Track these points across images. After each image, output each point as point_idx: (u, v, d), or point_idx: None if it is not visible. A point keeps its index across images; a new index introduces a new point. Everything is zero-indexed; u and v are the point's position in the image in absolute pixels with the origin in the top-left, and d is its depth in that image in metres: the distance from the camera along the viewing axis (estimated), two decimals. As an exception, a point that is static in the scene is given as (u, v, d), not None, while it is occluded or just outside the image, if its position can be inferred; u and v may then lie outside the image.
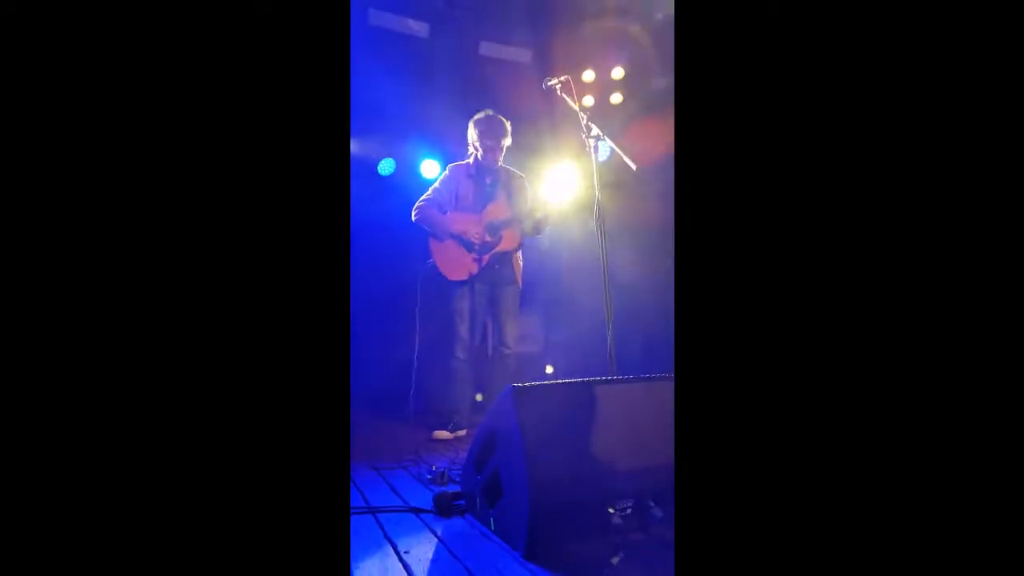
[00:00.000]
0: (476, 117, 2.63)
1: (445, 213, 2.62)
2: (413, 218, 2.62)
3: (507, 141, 2.63)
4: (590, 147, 2.04)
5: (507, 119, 2.67)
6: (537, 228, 2.62)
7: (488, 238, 2.61)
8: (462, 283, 2.61)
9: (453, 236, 2.60)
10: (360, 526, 1.39)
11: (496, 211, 2.64)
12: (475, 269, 2.61)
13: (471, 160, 2.68)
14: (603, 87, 3.83)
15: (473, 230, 2.59)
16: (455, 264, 2.61)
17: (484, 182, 2.66)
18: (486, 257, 2.62)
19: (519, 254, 2.74)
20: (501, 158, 2.65)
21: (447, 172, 2.70)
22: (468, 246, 2.61)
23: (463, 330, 2.60)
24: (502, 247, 2.63)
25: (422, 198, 2.64)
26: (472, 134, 2.63)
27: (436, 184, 2.67)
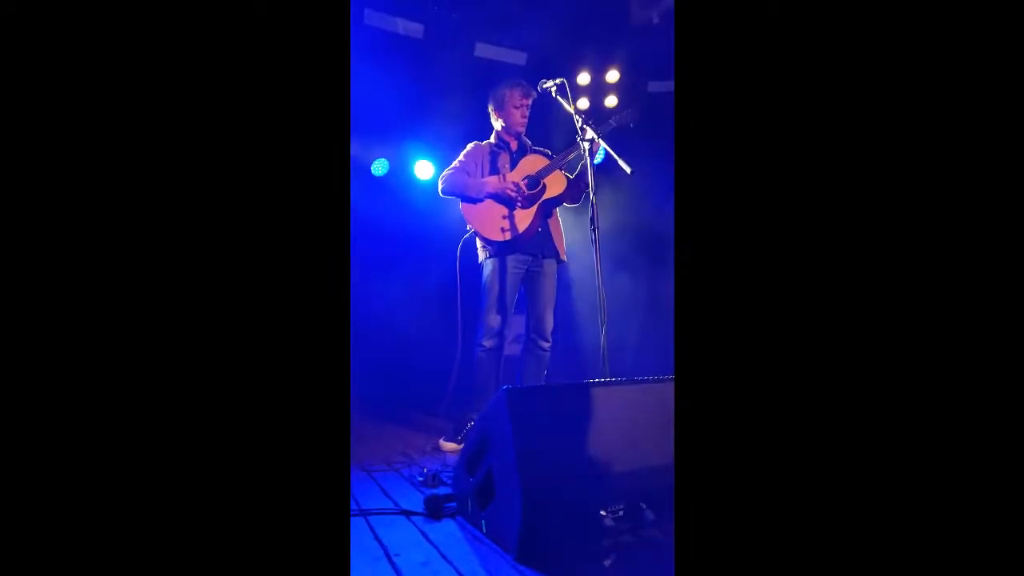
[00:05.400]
0: (495, 89, 2.48)
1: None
2: (440, 190, 2.40)
3: (532, 98, 2.44)
4: (584, 150, 2.04)
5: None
6: (584, 179, 2.08)
7: (530, 191, 2.33)
8: (504, 260, 2.35)
9: (490, 195, 2.34)
10: (351, 529, 1.38)
11: (531, 164, 2.40)
12: (526, 223, 2.31)
13: (492, 138, 2.52)
14: (598, 89, 3.85)
15: (511, 184, 2.32)
16: (500, 223, 2.33)
17: (511, 149, 2.47)
18: (534, 209, 2.32)
19: (560, 222, 2.47)
20: (527, 120, 2.46)
21: (470, 147, 2.48)
22: (510, 203, 2.34)
23: (494, 318, 2.33)
24: (549, 194, 2.36)
25: (447, 169, 2.43)
26: (494, 103, 2.48)
27: (460, 157, 2.47)
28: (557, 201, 2.41)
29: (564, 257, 2.45)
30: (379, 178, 3.73)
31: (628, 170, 2.02)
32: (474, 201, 2.36)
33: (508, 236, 2.32)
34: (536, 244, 2.38)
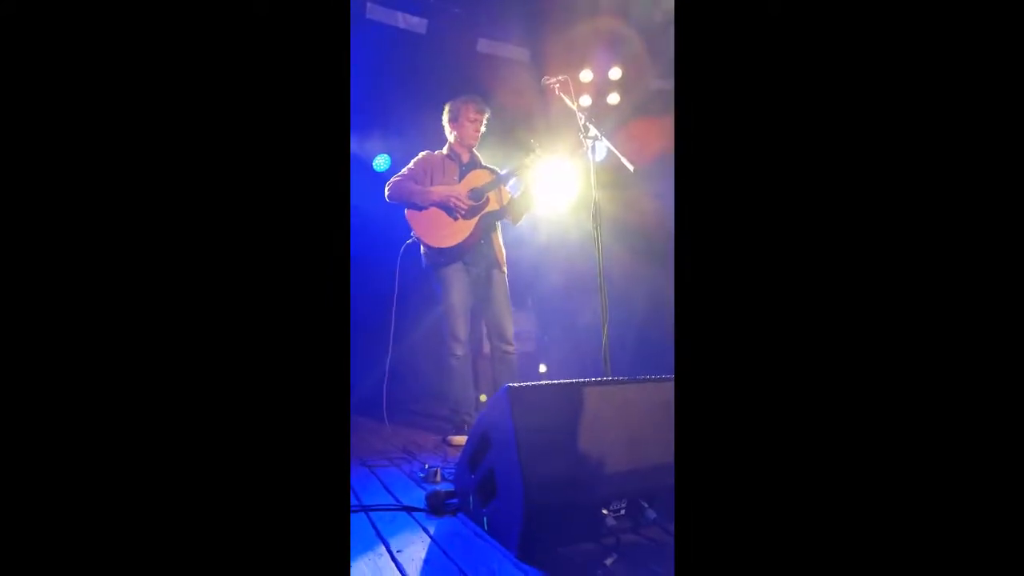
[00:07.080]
0: (452, 101, 2.57)
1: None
2: (386, 195, 2.48)
3: (486, 118, 2.56)
4: (587, 147, 2.04)
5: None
6: (523, 200, 2.49)
7: (473, 202, 2.43)
8: (449, 270, 2.44)
9: (435, 204, 2.43)
10: (352, 524, 1.39)
11: (476, 178, 2.48)
12: (466, 233, 2.41)
13: (445, 149, 2.60)
14: (600, 87, 3.84)
15: (456, 195, 2.41)
16: (442, 231, 2.42)
17: (461, 161, 2.55)
18: (475, 220, 2.42)
19: (500, 239, 2.58)
20: (479, 135, 2.57)
21: (421, 155, 2.58)
22: (452, 213, 2.43)
23: (460, 327, 2.43)
24: (490, 208, 2.46)
25: (394, 176, 2.51)
26: (449, 115, 2.56)
27: (410, 164, 2.55)
28: (497, 215, 2.51)
29: (505, 271, 2.55)
30: (381, 173, 3.73)
31: (631, 167, 2.02)
32: (419, 208, 2.45)
33: (447, 244, 2.42)
34: (479, 255, 2.49)
